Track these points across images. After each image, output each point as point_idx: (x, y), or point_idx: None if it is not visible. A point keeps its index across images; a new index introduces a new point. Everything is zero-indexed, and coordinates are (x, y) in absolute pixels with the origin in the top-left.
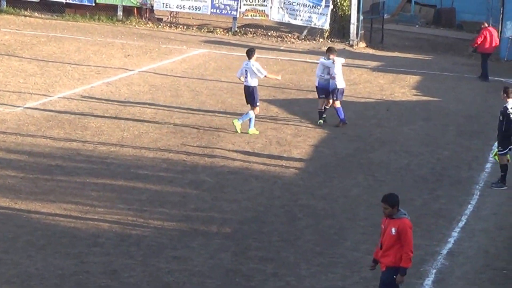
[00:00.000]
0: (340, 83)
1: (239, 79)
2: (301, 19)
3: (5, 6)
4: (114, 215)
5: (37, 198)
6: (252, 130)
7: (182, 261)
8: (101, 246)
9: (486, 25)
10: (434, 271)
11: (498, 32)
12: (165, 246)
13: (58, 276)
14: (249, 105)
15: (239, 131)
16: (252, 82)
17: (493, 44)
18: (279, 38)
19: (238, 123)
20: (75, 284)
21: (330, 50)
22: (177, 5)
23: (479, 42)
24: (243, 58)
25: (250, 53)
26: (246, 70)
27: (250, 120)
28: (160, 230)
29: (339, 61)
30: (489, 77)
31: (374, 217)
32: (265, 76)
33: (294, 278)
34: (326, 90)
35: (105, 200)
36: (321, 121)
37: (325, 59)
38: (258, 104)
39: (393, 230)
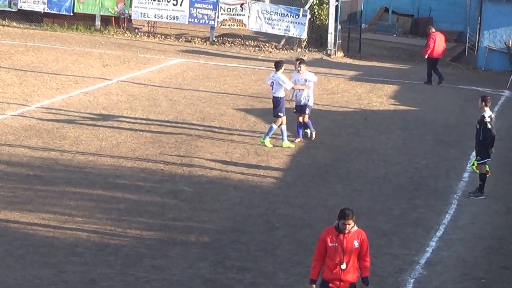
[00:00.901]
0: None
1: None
2: (279, 29)
3: None
4: (93, 225)
5: (16, 208)
6: (286, 143)
7: (160, 270)
8: (80, 256)
9: (433, 29)
10: (412, 280)
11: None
12: (144, 255)
13: (37, 285)
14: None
15: (271, 146)
16: (279, 93)
17: (441, 48)
18: (257, 48)
19: (267, 141)
20: None
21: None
22: (155, 14)
23: (431, 47)
24: (222, 67)
25: (278, 65)
26: (272, 82)
27: (282, 133)
28: (139, 239)
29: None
30: (432, 82)
31: None
32: (292, 88)
33: (272, 287)
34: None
35: (83, 209)
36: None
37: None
38: (280, 114)
39: (356, 243)
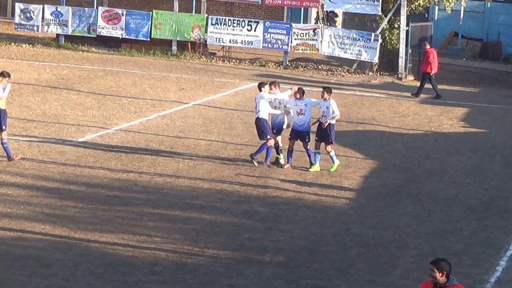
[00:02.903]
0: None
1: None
2: (351, 53)
3: (63, 42)
4: (171, 244)
5: (96, 228)
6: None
7: None
8: (158, 274)
9: (429, 46)
10: None
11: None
12: (220, 274)
13: None
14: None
15: (319, 169)
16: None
17: (437, 64)
18: (329, 72)
19: (316, 167)
20: None
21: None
22: (230, 39)
23: (431, 62)
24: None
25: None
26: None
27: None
28: (215, 258)
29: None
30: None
31: (423, 246)
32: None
33: None
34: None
35: (161, 229)
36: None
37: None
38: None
39: None
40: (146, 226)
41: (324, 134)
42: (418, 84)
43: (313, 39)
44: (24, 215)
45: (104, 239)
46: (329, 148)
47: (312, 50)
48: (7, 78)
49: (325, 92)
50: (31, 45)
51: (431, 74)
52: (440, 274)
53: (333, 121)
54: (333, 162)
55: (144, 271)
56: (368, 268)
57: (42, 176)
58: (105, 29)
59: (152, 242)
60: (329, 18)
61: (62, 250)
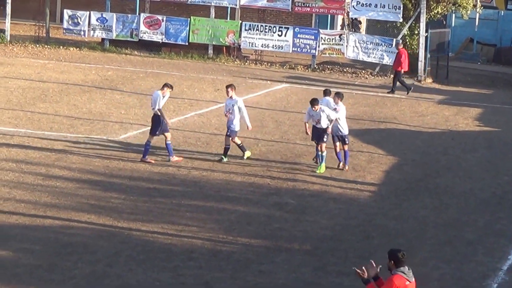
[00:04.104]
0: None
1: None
2: (374, 57)
3: (108, 46)
4: (206, 233)
5: (137, 218)
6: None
7: (267, 274)
8: (195, 261)
9: (401, 46)
10: (495, 285)
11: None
12: (252, 261)
13: (156, 287)
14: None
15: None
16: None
17: (407, 63)
18: (353, 74)
19: (322, 168)
20: None
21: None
22: (262, 44)
23: (403, 61)
24: (322, 92)
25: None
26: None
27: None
28: (247, 246)
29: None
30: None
31: (440, 236)
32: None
33: None
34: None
35: (198, 219)
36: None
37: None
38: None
39: None
40: (184, 216)
41: (320, 136)
42: (436, 86)
43: (339, 44)
44: (71, 206)
45: (145, 228)
46: (323, 147)
47: (338, 54)
48: (170, 89)
49: (315, 105)
50: (78, 49)
51: (402, 72)
52: (389, 260)
53: (324, 126)
54: (321, 163)
55: (182, 258)
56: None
57: (88, 169)
58: (147, 34)
59: (189, 231)
60: (354, 25)
61: (106, 238)
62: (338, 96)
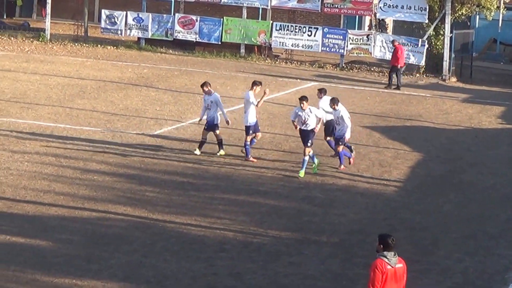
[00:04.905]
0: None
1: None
2: None
3: (144, 44)
4: (238, 225)
5: (172, 210)
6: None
7: (296, 266)
8: (227, 252)
9: (397, 43)
10: None
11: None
12: (282, 252)
13: (190, 277)
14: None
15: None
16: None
17: (404, 58)
18: (380, 73)
19: (302, 173)
20: (205, 285)
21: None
22: (292, 43)
23: (399, 56)
24: (350, 90)
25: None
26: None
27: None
28: (278, 238)
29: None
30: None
31: (464, 230)
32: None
33: None
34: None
35: (230, 212)
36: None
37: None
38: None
39: None
40: (216, 209)
41: (306, 138)
42: (460, 85)
43: (366, 44)
44: (108, 198)
45: (179, 220)
46: (306, 151)
47: (366, 53)
48: (259, 86)
49: (304, 102)
50: (115, 47)
51: (398, 67)
52: (378, 243)
53: (312, 127)
54: (302, 167)
55: (214, 249)
56: (414, 249)
57: (124, 164)
58: (181, 33)
59: (222, 224)
60: (380, 25)
61: (142, 229)
62: (333, 102)
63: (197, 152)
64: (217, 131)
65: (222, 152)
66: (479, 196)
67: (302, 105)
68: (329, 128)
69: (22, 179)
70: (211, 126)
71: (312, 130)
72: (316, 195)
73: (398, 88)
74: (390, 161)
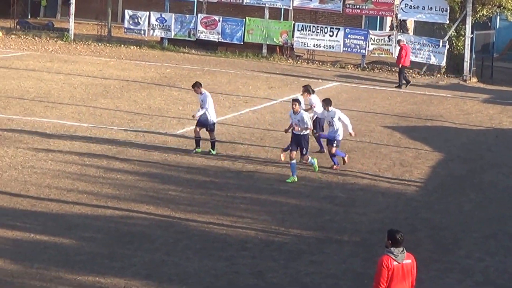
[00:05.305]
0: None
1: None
2: (421, 57)
3: (167, 44)
4: (260, 224)
5: (194, 209)
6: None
7: (318, 264)
8: (249, 251)
9: (403, 42)
10: None
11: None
12: (304, 251)
13: (212, 275)
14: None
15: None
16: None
17: (409, 58)
18: None
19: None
20: (227, 283)
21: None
22: (314, 44)
23: (404, 56)
24: (371, 90)
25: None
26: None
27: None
28: (299, 237)
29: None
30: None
31: (484, 230)
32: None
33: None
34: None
35: (252, 211)
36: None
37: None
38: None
39: None
40: (238, 208)
41: (299, 144)
42: (481, 85)
43: (387, 44)
44: (131, 197)
45: (201, 218)
46: (293, 155)
47: (387, 54)
48: (307, 93)
49: (296, 105)
50: (138, 47)
51: (400, 67)
52: (387, 239)
53: (306, 132)
54: (293, 174)
55: (236, 248)
56: (435, 248)
57: (147, 162)
58: (204, 34)
59: (244, 222)
60: (402, 26)
61: (164, 228)
62: (326, 103)
63: (198, 150)
64: (211, 131)
65: (213, 152)
66: (499, 196)
67: (294, 108)
68: (317, 124)
69: (46, 177)
70: (203, 124)
71: (305, 137)
72: (338, 194)
73: (399, 86)
74: (411, 161)
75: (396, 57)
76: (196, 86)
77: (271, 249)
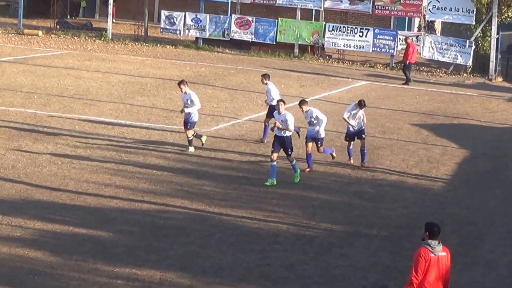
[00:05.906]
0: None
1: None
2: (448, 57)
3: (201, 44)
4: (291, 218)
5: (227, 204)
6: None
7: (347, 257)
8: (280, 244)
9: (411, 39)
10: None
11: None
12: (334, 245)
13: (245, 268)
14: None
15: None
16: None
17: (416, 55)
18: (429, 73)
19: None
20: (259, 275)
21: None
22: (344, 44)
23: (411, 53)
24: (400, 89)
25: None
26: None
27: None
28: (329, 231)
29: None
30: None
31: (509, 225)
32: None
33: None
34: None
35: (283, 206)
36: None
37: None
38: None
39: None
40: (270, 203)
41: (284, 146)
42: (506, 84)
43: (416, 45)
44: (167, 192)
45: (235, 213)
46: (290, 159)
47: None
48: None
49: (281, 105)
50: (174, 47)
51: (407, 63)
52: (424, 231)
53: (289, 133)
54: (296, 172)
55: (268, 241)
56: (461, 243)
57: (182, 158)
58: (237, 34)
59: (275, 217)
60: (429, 27)
61: (199, 222)
62: (302, 103)
63: (191, 149)
64: (189, 130)
65: (191, 149)
66: None
67: (279, 108)
68: (271, 111)
69: (84, 172)
70: (185, 122)
71: (288, 138)
72: (367, 190)
73: (407, 83)
74: (438, 158)
75: (402, 54)
76: (182, 83)
77: (302, 243)
